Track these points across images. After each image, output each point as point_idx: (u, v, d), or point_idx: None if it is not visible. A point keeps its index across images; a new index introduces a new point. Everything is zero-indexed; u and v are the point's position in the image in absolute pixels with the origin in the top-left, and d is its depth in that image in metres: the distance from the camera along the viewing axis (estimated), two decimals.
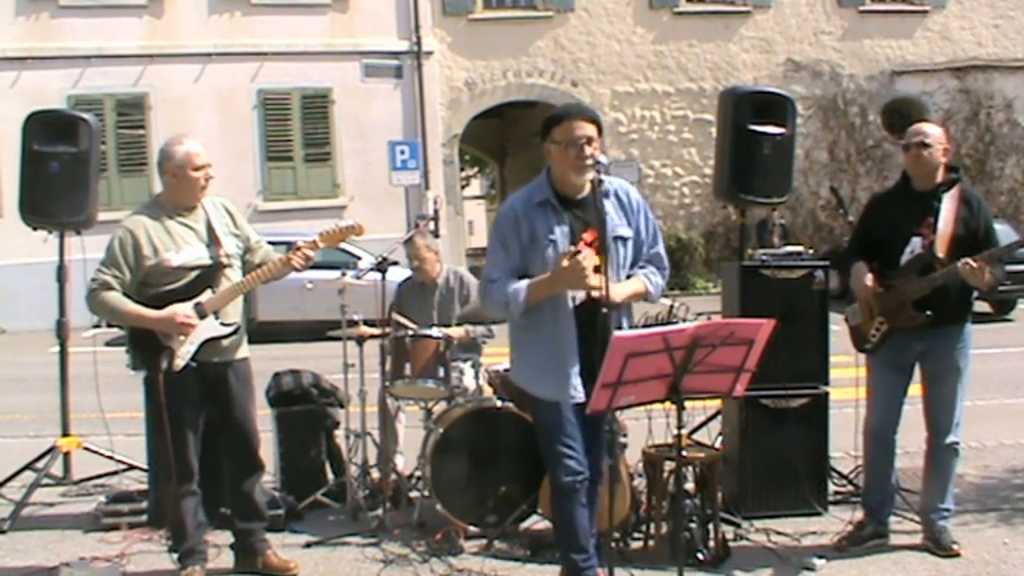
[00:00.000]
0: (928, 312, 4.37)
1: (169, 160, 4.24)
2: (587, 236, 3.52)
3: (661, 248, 3.83)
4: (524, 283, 3.59)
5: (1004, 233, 14.23)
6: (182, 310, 4.14)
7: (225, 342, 4.28)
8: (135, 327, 4.21)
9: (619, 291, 3.59)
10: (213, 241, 4.28)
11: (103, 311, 4.18)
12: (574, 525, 3.68)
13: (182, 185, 4.25)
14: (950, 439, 4.48)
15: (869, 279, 4.50)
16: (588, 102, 17.52)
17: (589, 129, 3.60)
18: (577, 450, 3.65)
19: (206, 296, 4.22)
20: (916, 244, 4.44)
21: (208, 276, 4.24)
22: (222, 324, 4.25)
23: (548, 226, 3.63)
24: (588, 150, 3.56)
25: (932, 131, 4.51)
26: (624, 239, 3.70)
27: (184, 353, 4.16)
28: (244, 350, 4.43)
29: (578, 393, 3.56)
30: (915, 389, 4.62)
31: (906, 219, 4.48)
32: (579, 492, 3.65)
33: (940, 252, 4.37)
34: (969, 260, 4.22)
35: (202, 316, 4.19)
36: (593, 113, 3.75)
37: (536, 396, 3.73)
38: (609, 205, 3.66)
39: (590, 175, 3.54)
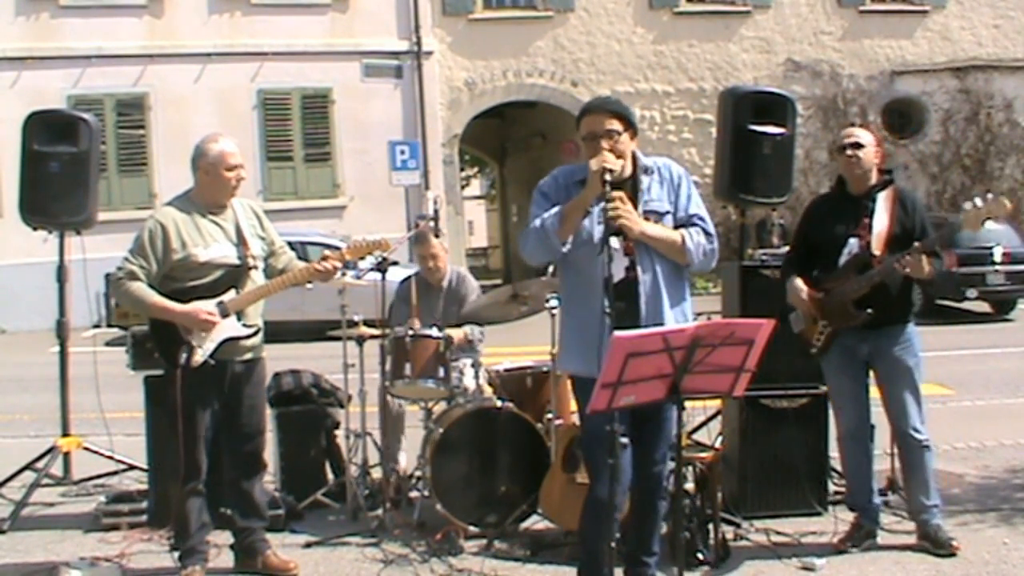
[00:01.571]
0: (869, 310, 4.38)
1: (203, 157, 4.26)
2: None
3: (702, 212, 3.69)
4: (558, 207, 3.55)
5: (1004, 233, 14.25)
6: (205, 307, 4.15)
7: (247, 343, 4.30)
8: (156, 320, 4.23)
9: (646, 226, 3.52)
10: (241, 241, 4.30)
11: (127, 300, 4.20)
12: (598, 550, 3.49)
13: (214, 183, 4.27)
14: (917, 436, 4.49)
15: (804, 292, 4.53)
16: None
17: (608, 123, 3.57)
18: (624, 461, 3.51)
19: (230, 296, 4.23)
20: (853, 245, 4.47)
21: (234, 276, 4.25)
22: (244, 325, 4.27)
23: None
24: (605, 144, 3.53)
25: (864, 134, 4.55)
26: (659, 213, 3.65)
27: (203, 350, 4.17)
28: (261, 351, 4.45)
29: None
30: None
31: (842, 222, 4.52)
32: (612, 512, 3.41)
33: (877, 250, 4.39)
34: (905, 253, 4.25)
35: (224, 315, 4.20)
36: (614, 106, 3.69)
37: (578, 377, 3.65)
38: (648, 181, 3.67)
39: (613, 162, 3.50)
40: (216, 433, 4.35)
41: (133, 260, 4.15)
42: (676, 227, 3.67)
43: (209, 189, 4.29)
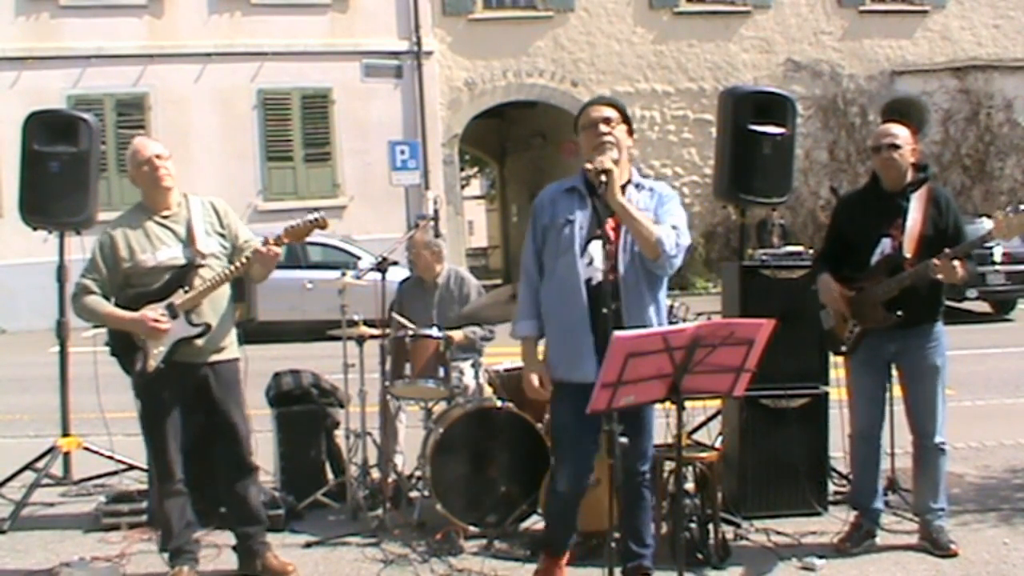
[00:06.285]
0: (899, 312, 4.38)
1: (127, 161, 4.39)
2: (611, 221, 3.61)
3: (677, 222, 3.74)
4: (530, 322, 3.83)
5: None
6: (153, 312, 4.16)
7: (199, 342, 4.25)
8: (112, 330, 4.28)
9: (621, 198, 3.58)
10: (190, 240, 4.29)
11: (85, 313, 4.28)
12: (560, 530, 3.94)
13: (141, 183, 4.36)
14: (936, 439, 4.49)
15: (835, 288, 4.52)
16: None
17: (605, 111, 3.73)
18: (584, 459, 3.74)
19: (179, 296, 4.22)
20: (886, 245, 4.46)
21: (181, 276, 4.24)
22: (190, 324, 4.22)
23: (570, 208, 3.75)
24: (604, 128, 3.68)
25: (901, 132, 4.51)
26: None
27: (156, 354, 4.18)
28: (229, 352, 4.39)
29: (589, 374, 3.45)
30: (898, 391, 4.62)
31: (875, 221, 4.49)
32: (573, 502, 3.81)
33: (908, 252, 4.38)
34: (935, 259, 4.22)
35: (174, 316, 4.20)
36: (611, 100, 3.90)
37: (555, 381, 3.76)
38: (640, 196, 3.76)
39: (611, 154, 3.61)
40: (201, 436, 4.36)
41: (87, 275, 4.26)
42: None
43: (143, 190, 4.38)
